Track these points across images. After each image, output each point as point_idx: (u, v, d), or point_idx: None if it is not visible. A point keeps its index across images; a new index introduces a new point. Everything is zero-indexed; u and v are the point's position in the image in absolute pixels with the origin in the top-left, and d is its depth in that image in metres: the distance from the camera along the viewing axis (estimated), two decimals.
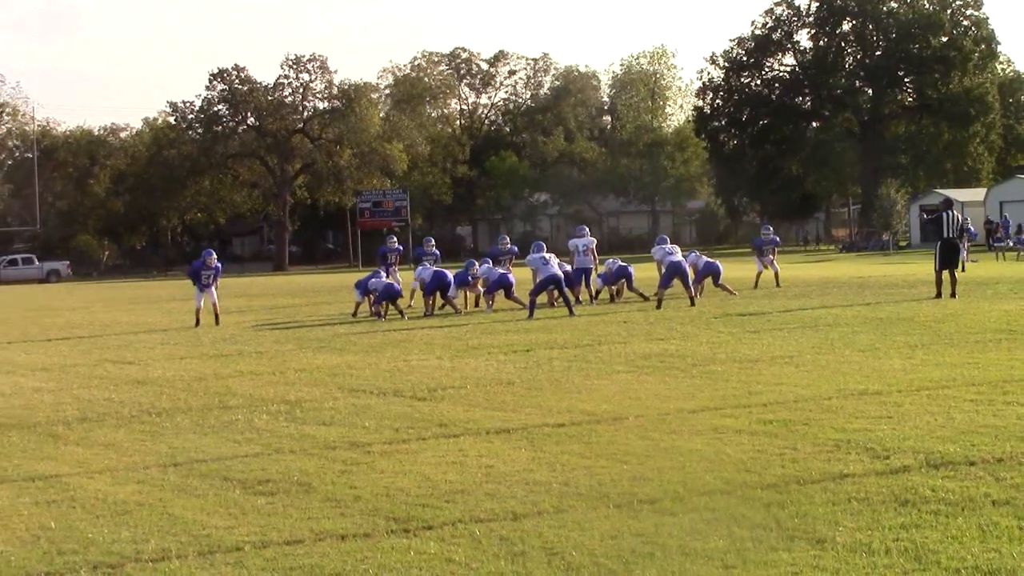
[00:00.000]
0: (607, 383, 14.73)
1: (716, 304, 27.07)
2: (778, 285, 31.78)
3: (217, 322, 28.19)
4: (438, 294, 29.23)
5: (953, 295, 25.62)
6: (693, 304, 26.80)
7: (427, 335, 22.95)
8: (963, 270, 28.73)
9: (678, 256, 28.58)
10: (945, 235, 26.51)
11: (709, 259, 30.49)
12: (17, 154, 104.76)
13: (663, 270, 28.42)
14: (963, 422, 10.82)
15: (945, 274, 26.20)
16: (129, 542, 8.05)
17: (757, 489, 8.62)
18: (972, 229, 43.84)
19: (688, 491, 8.66)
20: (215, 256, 29.89)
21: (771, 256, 33.55)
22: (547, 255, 28.26)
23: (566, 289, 27.70)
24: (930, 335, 18.44)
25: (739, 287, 30.43)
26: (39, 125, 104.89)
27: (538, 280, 27.64)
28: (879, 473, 8.96)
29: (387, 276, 30.71)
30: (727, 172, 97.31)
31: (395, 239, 36.94)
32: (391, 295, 28.62)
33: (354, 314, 29.35)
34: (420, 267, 30.57)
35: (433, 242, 33.28)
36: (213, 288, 28.79)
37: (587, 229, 32.24)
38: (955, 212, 27.55)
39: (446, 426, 11.96)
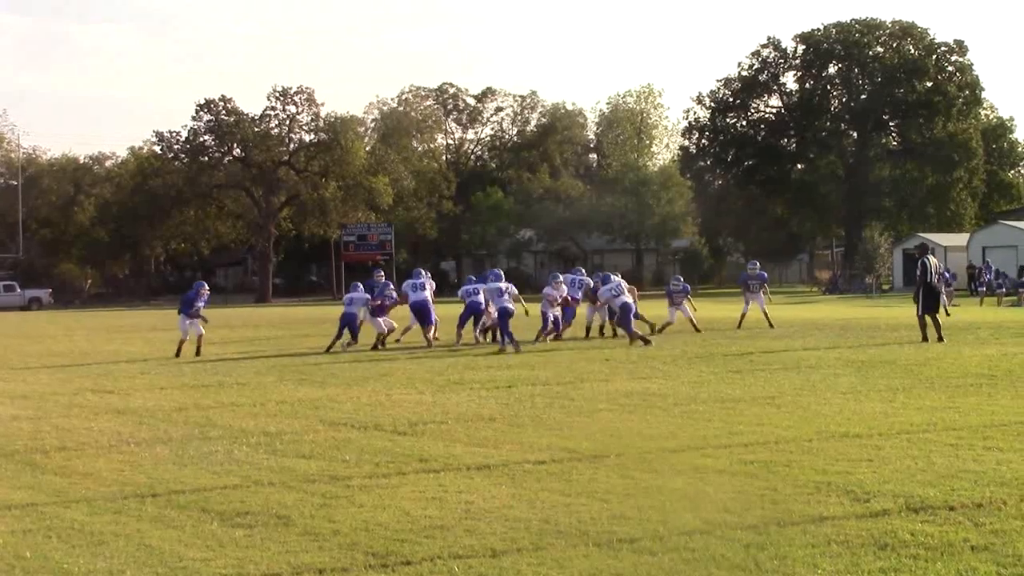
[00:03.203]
0: (589, 421, 14.72)
1: (699, 344, 27.09)
2: (771, 326, 31.59)
3: (198, 353, 28.14)
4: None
5: (940, 339, 25.69)
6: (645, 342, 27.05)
7: (409, 369, 22.92)
8: (947, 314, 28.97)
9: (627, 296, 28.55)
10: (928, 280, 26.63)
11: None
12: (1, 181, 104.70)
13: (614, 311, 28.47)
14: (943, 466, 10.83)
15: (928, 318, 26.30)
16: (105, 573, 8.00)
17: (737, 530, 8.60)
18: (948, 273, 43.84)
19: (668, 531, 8.65)
20: (207, 287, 30.14)
21: (759, 294, 33.20)
22: (504, 285, 28.43)
23: (508, 324, 27.72)
24: (911, 379, 18.48)
25: (720, 327, 30.42)
26: (24, 152, 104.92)
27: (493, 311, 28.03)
28: (859, 516, 8.96)
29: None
30: (712, 212, 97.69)
31: (382, 273, 36.74)
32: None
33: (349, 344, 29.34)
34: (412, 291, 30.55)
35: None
36: (199, 320, 28.88)
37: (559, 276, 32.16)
38: (933, 257, 27.70)
39: (426, 461, 11.93)
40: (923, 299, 26.47)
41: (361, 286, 30.93)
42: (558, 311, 29.62)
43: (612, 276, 30.02)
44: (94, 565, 8.20)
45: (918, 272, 27.31)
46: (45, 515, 9.86)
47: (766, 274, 34.68)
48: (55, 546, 8.79)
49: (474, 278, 30.65)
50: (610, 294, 28.65)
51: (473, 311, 29.24)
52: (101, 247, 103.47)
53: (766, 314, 32.50)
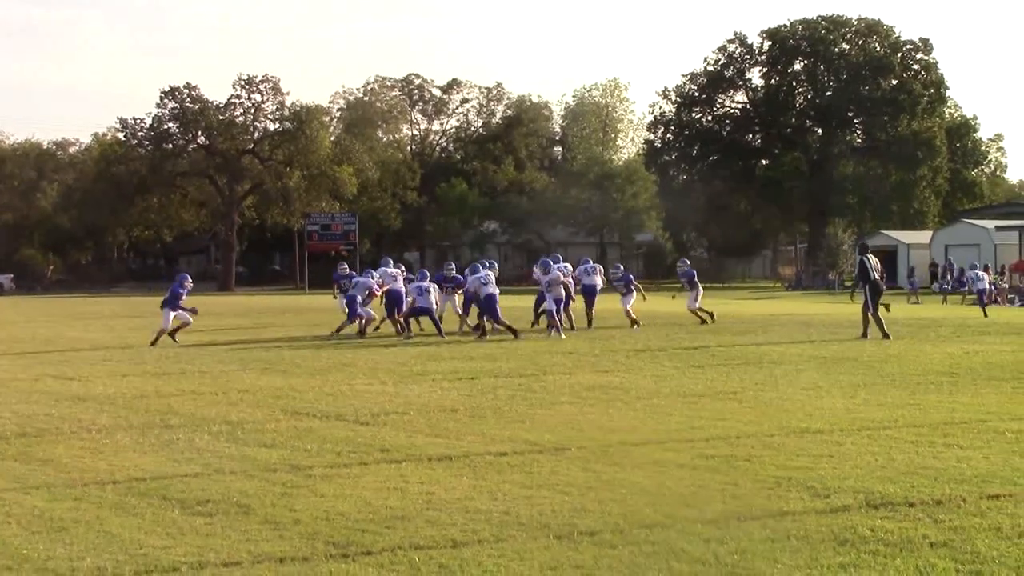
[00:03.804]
0: (550, 413, 14.73)
1: (662, 338, 27.14)
2: (703, 322, 31.02)
3: (155, 343, 27.86)
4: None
5: (865, 335, 26.29)
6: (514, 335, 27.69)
7: (372, 360, 22.89)
8: (888, 310, 29.55)
9: (493, 288, 28.89)
10: (871, 278, 27.00)
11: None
12: None
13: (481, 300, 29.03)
14: (903, 463, 10.89)
15: (868, 314, 26.80)
16: (64, 559, 7.97)
17: (697, 524, 8.63)
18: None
19: (628, 524, 8.67)
20: (190, 280, 30.45)
21: (692, 291, 32.74)
22: (427, 284, 29.38)
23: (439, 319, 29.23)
24: (873, 375, 18.58)
25: (682, 322, 30.45)
26: None
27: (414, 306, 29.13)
28: (819, 512, 9.00)
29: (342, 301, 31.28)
30: (676, 206, 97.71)
31: (346, 265, 36.79)
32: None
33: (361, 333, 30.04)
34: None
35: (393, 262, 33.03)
36: (187, 312, 28.92)
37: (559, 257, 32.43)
38: (872, 256, 28.10)
39: (388, 451, 11.92)
40: (871, 296, 26.82)
41: (374, 273, 31.17)
42: (561, 292, 29.24)
43: (480, 266, 30.11)
44: (54, 551, 8.16)
45: (856, 270, 27.78)
46: (5, 501, 9.81)
47: (694, 272, 33.32)
48: (14, 532, 8.75)
49: (427, 273, 31.11)
50: (478, 283, 28.90)
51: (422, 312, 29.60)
52: (63, 233, 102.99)
53: (694, 311, 31.80)
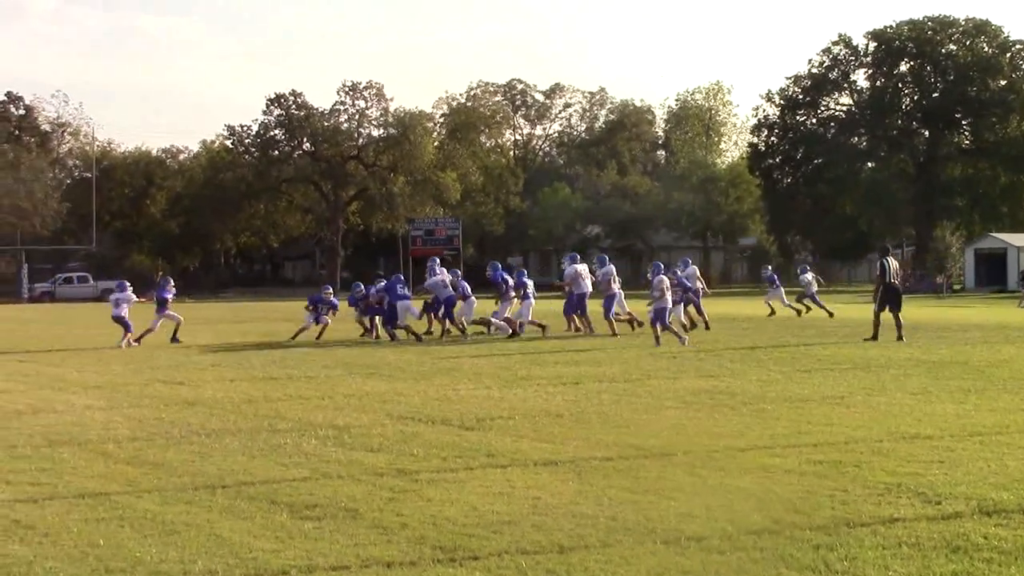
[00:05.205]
0: (656, 418, 14.67)
1: (767, 341, 26.96)
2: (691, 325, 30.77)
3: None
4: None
5: (900, 338, 26.31)
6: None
7: (476, 364, 22.95)
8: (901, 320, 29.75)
9: (410, 302, 31.04)
10: (887, 280, 27.04)
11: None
12: (76, 173, 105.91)
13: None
14: (1017, 469, 10.71)
15: (888, 317, 27.05)
16: (176, 562, 8.06)
17: (806, 530, 8.54)
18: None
19: (736, 529, 8.60)
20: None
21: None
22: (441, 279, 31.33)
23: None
24: (983, 380, 18.29)
25: (789, 325, 30.15)
26: (99, 145, 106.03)
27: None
28: (930, 518, 8.87)
29: (315, 320, 32.99)
30: (780, 210, 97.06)
31: (330, 289, 36.85)
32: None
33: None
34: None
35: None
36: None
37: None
38: (893, 259, 28.14)
39: (494, 456, 11.93)
40: (882, 297, 27.24)
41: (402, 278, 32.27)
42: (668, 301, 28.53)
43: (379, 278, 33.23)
44: (166, 554, 8.26)
45: (877, 272, 28.23)
46: (118, 504, 9.94)
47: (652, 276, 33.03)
48: (128, 535, 8.87)
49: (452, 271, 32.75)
50: (379, 294, 31.31)
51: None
52: (172, 240, 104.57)
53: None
